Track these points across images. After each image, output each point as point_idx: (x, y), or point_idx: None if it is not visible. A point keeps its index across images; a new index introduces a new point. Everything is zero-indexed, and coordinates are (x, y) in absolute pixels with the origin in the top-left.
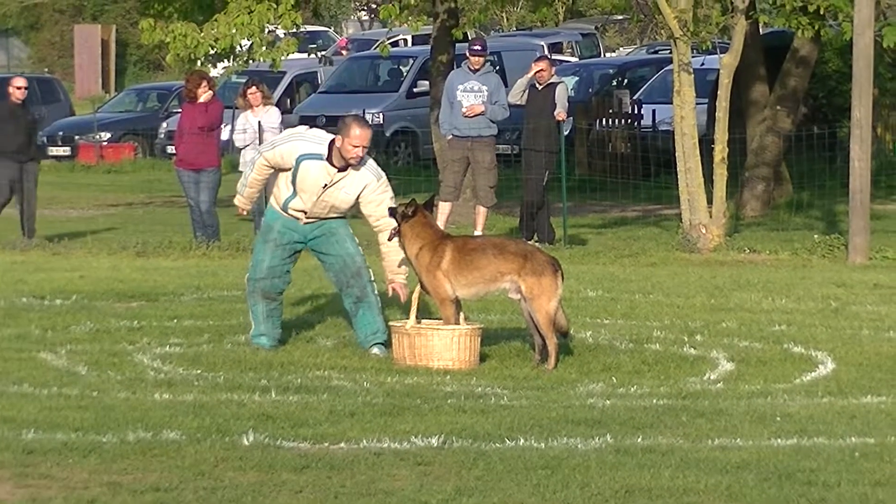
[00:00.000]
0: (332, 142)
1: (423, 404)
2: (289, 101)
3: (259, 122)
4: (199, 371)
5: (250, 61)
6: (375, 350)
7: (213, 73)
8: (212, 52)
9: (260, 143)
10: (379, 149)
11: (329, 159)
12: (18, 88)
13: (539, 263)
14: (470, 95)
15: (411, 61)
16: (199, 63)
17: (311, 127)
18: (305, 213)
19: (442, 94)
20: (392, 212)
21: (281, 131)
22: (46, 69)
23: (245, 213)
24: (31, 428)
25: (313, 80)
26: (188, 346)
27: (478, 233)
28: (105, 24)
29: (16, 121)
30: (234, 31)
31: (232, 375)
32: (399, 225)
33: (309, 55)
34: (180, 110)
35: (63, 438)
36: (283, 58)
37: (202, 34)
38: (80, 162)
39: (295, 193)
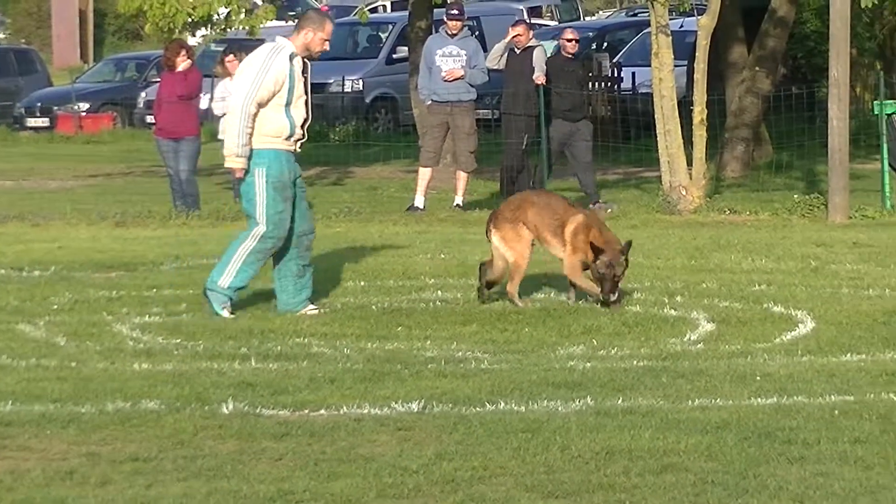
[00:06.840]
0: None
1: (403, 369)
2: None
3: None
4: (178, 340)
5: (228, 29)
6: (312, 307)
7: (192, 41)
8: (190, 20)
9: None
10: (359, 115)
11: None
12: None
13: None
14: (448, 60)
15: (390, 27)
16: (177, 31)
17: None
18: (306, 121)
19: (421, 59)
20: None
21: None
22: (24, 40)
23: (243, 174)
24: (8, 400)
25: None
26: (167, 315)
27: (458, 199)
28: None
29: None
30: None
31: (212, 344)
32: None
33: (287, 22)
34: (159, 79)
35: (41, 410)
36: (261, 25)
37: (179, 2)
38: (59, 133)
39: (289, 109)
